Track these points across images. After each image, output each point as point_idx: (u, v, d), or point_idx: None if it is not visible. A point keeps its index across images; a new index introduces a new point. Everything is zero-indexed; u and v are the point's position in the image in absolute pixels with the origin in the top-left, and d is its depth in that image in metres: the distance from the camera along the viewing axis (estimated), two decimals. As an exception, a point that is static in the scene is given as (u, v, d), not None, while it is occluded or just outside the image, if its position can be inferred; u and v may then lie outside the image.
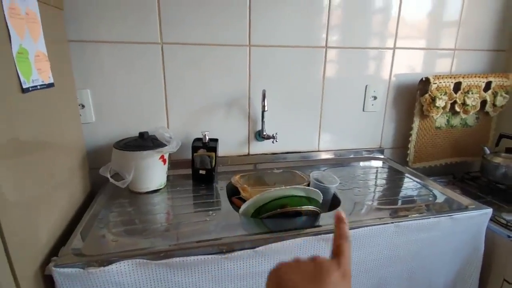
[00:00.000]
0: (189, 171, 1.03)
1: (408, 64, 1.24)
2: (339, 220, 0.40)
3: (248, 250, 0.67)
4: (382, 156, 1.30)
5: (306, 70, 1.14)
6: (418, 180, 1.09)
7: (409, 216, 0.82)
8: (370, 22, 1.15)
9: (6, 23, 0.55)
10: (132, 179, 0.89)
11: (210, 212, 0.84)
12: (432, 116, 1.20)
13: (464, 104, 1.20)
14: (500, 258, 0.90)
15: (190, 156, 1.01)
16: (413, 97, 1.24)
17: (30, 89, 0.63)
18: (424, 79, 1.17)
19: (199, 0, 0.99)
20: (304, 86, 1.16)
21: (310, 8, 1.08)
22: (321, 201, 0.87)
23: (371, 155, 1.30)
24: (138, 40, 0.98)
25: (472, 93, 1.20)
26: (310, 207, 0.81)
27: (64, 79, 0.85)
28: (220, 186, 1.00)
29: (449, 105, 1.20)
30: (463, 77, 1.19)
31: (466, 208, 0.87)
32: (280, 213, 0.80)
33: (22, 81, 0.60)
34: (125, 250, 0.65)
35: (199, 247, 0.67)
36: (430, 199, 0.95)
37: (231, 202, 0.91)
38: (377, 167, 1.22)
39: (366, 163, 1.26)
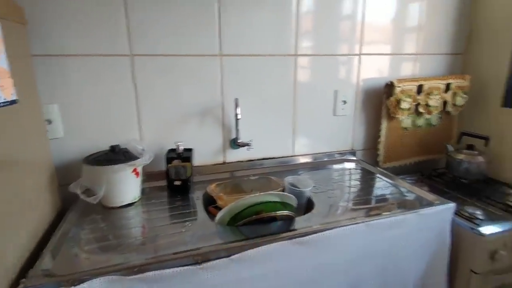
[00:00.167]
0: (164, 183, 1.02)
1: (375, 69, 1.30)
2: None
3: (223, 259, 0.68)
4: (355, 158, 1.35)
5: (277, 78, 1.17)
6: (388, 180, 1.14)
7: (380, 215, 0.86)
8: (338, 30, 1.20)
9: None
10: (104, 194, 0.87)
11: (187, 223, 0.84)
12: (398, 118, 1.27)
13: (427, 105, 1.28)
14: (466, 250, 0.95)
15: (164, 168, 1.00)
16: (380, 100, 1.30)
17: (-9, 107, 0.61)
18: (389, 83, 1.23)
19: (168, 10, 0.99)
20: (277, 93, 1.19)
21: (279, 17, 1.11)
22: (295, 205, 0.89)
23: (344, 158, 1.34)
24: (106, 53, 0.97)
25: (434, 95, 1.27)
26: (285, 212, 0.83)
27: (29, 95, 0.83)
28: (197, 196, 1.00)
29: (413, 107, 1.26)
30: (424, 80, 1.26)
31: (431, 204, 0.92)
32: (256, 220, 0.82)
33: (-19, 100, 0.58)
34: (98, 268, 0.64)
35: (173, 259, 0.67)
36: (399, 197, 0.99)
37: (208, 212, 0.92)
38: (350, 169, 1.26)
39: (340, 166, 1.30)
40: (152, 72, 1.03)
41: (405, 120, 1.30)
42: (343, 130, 1.33)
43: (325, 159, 1.32)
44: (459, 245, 0.96)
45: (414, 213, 0.86)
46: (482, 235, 0.91)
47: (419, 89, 1.26)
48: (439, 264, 0.94)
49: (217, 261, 0.67)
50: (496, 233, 0.92)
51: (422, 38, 1.33)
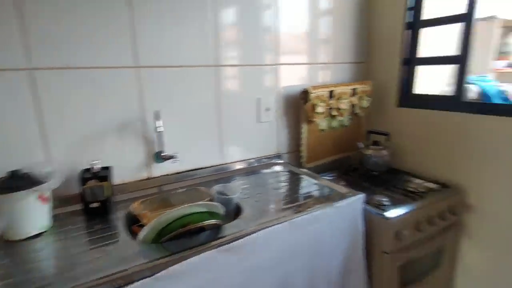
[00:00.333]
0: (80, 206, 0.94)
1: (292, 77, 1.40)
2: None
3: (147, 279, 0.65)
4: (282, 161, 1.43)
5: (200, 88, 1.18)
6: (311, 179, 1.23)
7: (301, 212, 0.92)
8: (256, 42, 1.26)
9: None
10: (5, 226, 0.77)
11: (107, 246, 0.78)
12: (316, 121, 1.38)
13: (338, 108, 1.42)
14: (378, 234, 1.08)
15: (79, 190, 0.92)
16: (299, 105, 1.40)
17: None
18: (304, 90, 1.34)
19: (77, 20, 0.93)
20: (201, 103, 1.19)
21: (199, 29, 1.12)
22: (223, 213, 0.90)
23: (272, 161, 1.41)
24: (-3, 67, 0.86)
25: (343, 99, 1.42)
26: (212, 221, 0.83)
27: None
28: (119, 217, 0.94)
29: (327, 111, 1.39)
30: (334, 86, 1.41)
31: (344, 196, 1.02)
32: (183, 233, 0.80)
33: None
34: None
35: (91, 286, 0.62)
36: (320, 194, 1.09)
37: (132, 232, 0.87)
38: (278, 172, 1.33)
39: (269, 170, 1.35)
40: (59, 88, 0.94)
41: (322, 122, 1.42)
42: (268, 136, 1.40)
43: (256, 165, 1.37)
44: (372, 231, 1.08)
45: (330, 207, 0.95)
46: (387, 218, 1.04)
47: (331, 94, 1.39)
48: (356, 250, 1.05)
49: (140, 282, 0.65)
50: (398, 216, 1.07)
51: (332, 49, 1.48)
